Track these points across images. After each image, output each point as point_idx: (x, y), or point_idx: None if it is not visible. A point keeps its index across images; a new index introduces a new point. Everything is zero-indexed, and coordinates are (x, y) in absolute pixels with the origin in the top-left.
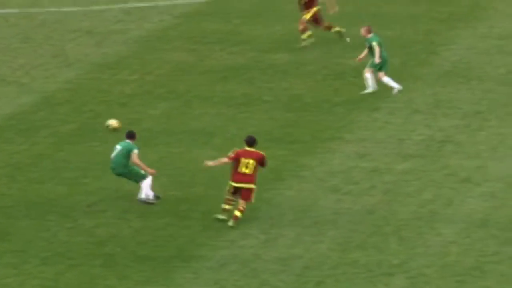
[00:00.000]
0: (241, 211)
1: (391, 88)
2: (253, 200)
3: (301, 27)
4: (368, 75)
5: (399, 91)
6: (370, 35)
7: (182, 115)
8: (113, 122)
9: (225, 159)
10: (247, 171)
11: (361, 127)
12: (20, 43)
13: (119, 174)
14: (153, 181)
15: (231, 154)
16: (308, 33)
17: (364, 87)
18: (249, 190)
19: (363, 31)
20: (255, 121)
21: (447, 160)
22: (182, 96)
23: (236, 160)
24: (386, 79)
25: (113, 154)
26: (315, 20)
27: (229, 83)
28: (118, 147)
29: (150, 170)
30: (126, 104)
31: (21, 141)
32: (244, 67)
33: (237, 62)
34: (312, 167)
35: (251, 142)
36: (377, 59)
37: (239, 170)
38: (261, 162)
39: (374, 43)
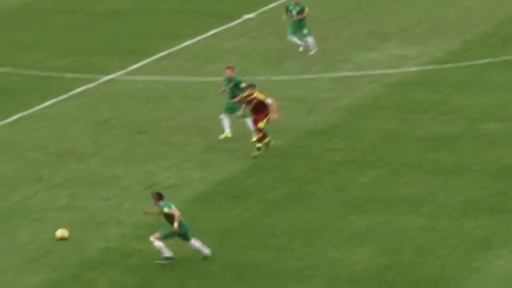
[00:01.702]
0: None
1: None
2: None
3: None
4: None
5: None
6: None
7: (391, 183)
8: (62, 233)
9: None
10: None
11: None
12: None
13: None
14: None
15: None
16: None
17: None
18: None
19: None
20: (464, 190)
21: None
22: (391, 164)
23: None
24: None
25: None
26: None
27: (438, 152)
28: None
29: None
30: (335, 171)
31: (230, 207)
32: (454, 136)
33: (447, 132)
34: None
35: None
36: None
37: None
38: None
39: None
